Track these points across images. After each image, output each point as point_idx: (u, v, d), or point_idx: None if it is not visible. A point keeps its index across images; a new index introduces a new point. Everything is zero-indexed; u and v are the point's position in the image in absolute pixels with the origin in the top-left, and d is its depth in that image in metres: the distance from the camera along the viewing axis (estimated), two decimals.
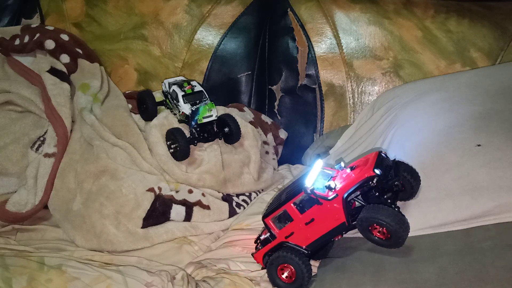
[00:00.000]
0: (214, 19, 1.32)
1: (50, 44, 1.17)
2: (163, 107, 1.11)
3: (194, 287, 0.83)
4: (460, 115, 0.88)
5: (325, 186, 0.72)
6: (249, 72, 1.34)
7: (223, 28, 1.32)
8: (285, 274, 0.77)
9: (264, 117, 1.28)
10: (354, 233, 0.83)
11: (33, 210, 0.97)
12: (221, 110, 1.11)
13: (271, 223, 0.79)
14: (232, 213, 1.02)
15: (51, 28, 1.24)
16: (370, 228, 0.71)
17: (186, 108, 1.02)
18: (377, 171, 0.71)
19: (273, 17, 1.33)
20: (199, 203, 0.99)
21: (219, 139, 1.06)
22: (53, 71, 1.12)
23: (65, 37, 1.21)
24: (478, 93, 0.94)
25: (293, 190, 0.77)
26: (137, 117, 1.12)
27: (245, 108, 1.26)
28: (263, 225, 0.90)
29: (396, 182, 0.75)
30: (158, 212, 0.96)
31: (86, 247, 0.93)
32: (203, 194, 1.01)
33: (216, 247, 0.95)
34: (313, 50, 1.26)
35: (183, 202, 0.98)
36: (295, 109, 1.31)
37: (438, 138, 0.86)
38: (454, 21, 1.20)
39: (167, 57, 1.33)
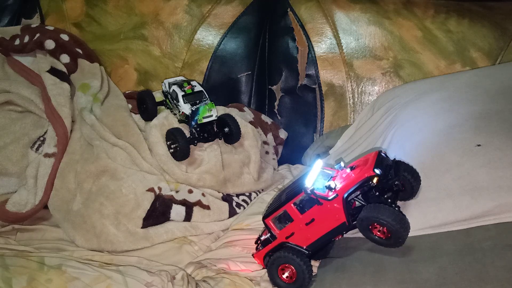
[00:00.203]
0: (214, 19, 1.32)
1: (50, 44, 1.17)
2: (163, 107, 1.11)
3: (194, 287, 0.83)
4: (460, 115, 0.88)
5: (325, 186, 0.72)
6: (249, 72, 1.34)
7: (223, 28, 1.32)
8: (286, 274, 0.78)
9: (264, 117, 1.28)
10: (354, 233, 0.83)
11: (33, 210, 0.97)
12: (221, 110, 1.11)
13: (272, 224, 0.79)
14: (232, 213, 1.02)
15: (51, 28, 1.24)
16: (370, 227, 0.71)
17: (186, 108, 1.02)
18: (377, 171, 0.71)
19: (273, 17, 1.33)
20: (199, 203, 0.99)
21: (219, 139, 1.06)
22: (53, 71, 1.12)
23: (65, 37, 1.21)
24: (478, 93, 0.94)
25: (293, 190, 0.77)
26: (137, 117, 1.12)
27: (245, 108, 1.26)
28: (263, 225, 0.90)
29: (397, 182, 0.75)
30: (158, 212, 0.96)
31: (86, 247, 0.93)
32: (203, 194, 1.01)
33: (216, 247, 0.95)
34: (313, 50, 1.26)
35: (183, 202, 0.98)
36: (295, 109, 1.31)
37: (438, 138, 0.86)
38: (454, 21, 1.20)
39: (167, 57, 1.33)
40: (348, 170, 0.75)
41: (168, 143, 1.02)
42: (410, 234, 0.72)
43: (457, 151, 0.81)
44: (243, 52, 1.33)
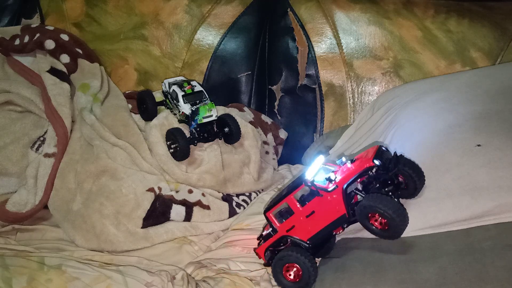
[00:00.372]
0: (214, 19, 1.32)
1: (50, 44, 1.17)
2: (163, 107, 1.11)
3: (194, 287, 0.83)
4: (460, 115, 0.88)
5: (325, 178, 0.72)
6: (249, 72, 1.34)
7: (223, 28, 1.32)
8: (291, 273, 0.77)
9: (264, 117, 1.28)
10: (354, 233, 0.83)
11: (33, 210, 0.97)
12: (221, 110, 1.11)
13: (273, 217, 0.79)
14: (232, 213, 1.02)
15: (51, 28, 1.24)
16: (369, 215, 0.71)
17: (186, 108, 1.02)
18: (376, 162, 0.72)
19: (273, 17, 1.33)
20: (199, 203, 0.99)
21: (219, 139, 1.06)
22: (53, 71, 1.12)
23: (65, 37, 1.21)
24: (478, 93, 0.94)
25: (294, 183, 0.77)
26: (137, 117, 1.12)
27: (245, 108, 1.26)
28: (263, 225, 0.90)
29: (400, 178, 0.75)
30: (158, 212, 0.96)
31: (86, 247, 0.93)
32: (203, 194, 1.01)
33: (216, 247, 0.95)
34: (313, 50, 1.26)
35: (183, 202, 0.98)
36: (295, 109, 1.31)
37: (438, 138, 0.86)
38: (454, 21, 1.20)
39: (167, 57, 1.33)
40: (349, 165, 0.75)
41: (168, 143, 1.02)
42: (410, 234, 0.72)
43: (457, 151, 0.81)
44: (243, 52, 1.33)
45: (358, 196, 0.74)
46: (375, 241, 0.77)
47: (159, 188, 0.98)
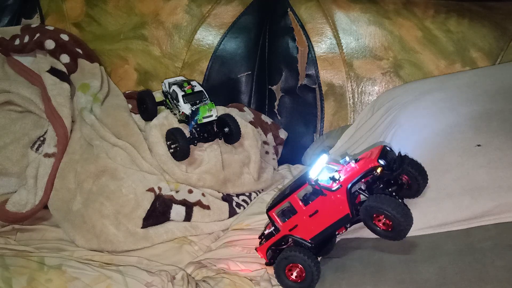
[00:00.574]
0: (214, 19, 1.32)
1: (50, 44, 1.17)
2: (163, 107, 1.11)
3: (194, 287, 0.83)
4: (460, 115, 0.88)
5: (329, 178, 0.72)
6: (249, 72, 1.34)
7: (223, 28, 1.32)
8: (294, 274, 0.77)
9: (264, 117, 1.28)
10: (354, 234, 0.83)
11: (33, 210, 0.97)
12: (221, 110, 1.11)
13: (275, 216, 0.79)
14: (232, 213, 1.02)
15: (51, 28, 1.24)
16: (374, 216, 0.70)
17: (186, 108, 1.02)
18: (381, 162, 0.71)
19: (273, 17, 1.33)
20: (199, 203, 0.99)
21: (219, 139, 1.06)
22: (53, 71, 1.12)
23: (65, 37, 1.21)
24: (478, 93, 0.94)
25: (297, 182, 0.77)
26: (137, 117, 1.12)
27: (245, 108, 1.26)
28: (263, 225, 0.90)
29: (404, 178, 0.75)
30: (158, 212, 0.96)
31: (86, 247, 0.93)
32: (203, 194, 1.01)
33: (216, 247, 0.95)
34: (313, 50, 1.26)
35: (183, 202, 0.98)
36: (295, 109, 1.31)
37: (438, 138, 0.86)
38: (454, 21, 1.20)
39: (167, 57, 1.33)
40: (352, 164, 0.75)
41: (168, 143, 1.02)
42: (410, 234, 0.72)
43: (457, 151, 0.81)
44: (243, 52, 1.33)
45: (362, 196, 0.74)
46: (375, 241, 0.77)
47: (159, 188, 0.98)
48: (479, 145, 0.80)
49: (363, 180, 0.73)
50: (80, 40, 1.27)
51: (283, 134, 1.28)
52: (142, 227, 0.95)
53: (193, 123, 1.01)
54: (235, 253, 0.92)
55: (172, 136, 1.00)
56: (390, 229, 0.70)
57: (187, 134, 1.02)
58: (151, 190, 0.97)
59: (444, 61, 1.19)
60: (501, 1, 1.22)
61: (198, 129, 1.02)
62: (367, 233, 0.76)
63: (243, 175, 1.06)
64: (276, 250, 0.81)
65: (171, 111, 1.09)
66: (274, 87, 1.33)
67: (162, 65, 1.33)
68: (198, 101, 1.03)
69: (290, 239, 0.79)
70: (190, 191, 1.00)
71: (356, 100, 1.24)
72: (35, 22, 1.39)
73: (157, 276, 0.83)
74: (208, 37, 1.32)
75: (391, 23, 1.22)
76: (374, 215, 0.70)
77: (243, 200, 1.05)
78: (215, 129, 1.05)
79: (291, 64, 1.29)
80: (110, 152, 1.01)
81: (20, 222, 0.98)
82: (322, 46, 1.26)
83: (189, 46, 1.32)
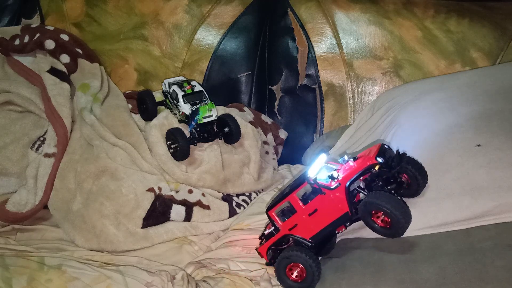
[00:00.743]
0: (214, 19, 1.32)
1: (50, 44, 1.17)
2: (163, 107, 1.11)
3: (194, 287, 0.83)
4: (460, 115, 0.88)
5: (328, 176, 0.72)
6: (249, 72, 1.34)
7: (223, 28, 1.32)
8: (295, 273, 0.77)
9: (264, 117, 1.28)
10: (354, 234, 0.83)
11: (33, 210, 0.97)
12: (221, 110, 1.11)
13: (275, 216, 0.79)
14: (232, 213, 1.02)
15: (51, 28, 1.24)
16: (373, 213, 0.70)
17: (186, 108, 1.02)
18: (379, 159, 0.72)
19: (273, 17, 1.33)
20: (199, 203, 0.99)
21: (219, 139, 1.06)
22: (53, 71, 1.12)
23: (65, 37, 1.21)
24: (478, 93, 0.94)
25: (296, 182, 0.77)
26: (137, 117, 1.12)
27: (245, 108, 1.26)
28: (264, 225, 0.90)
29: (403, 176, 0.75)
30: (158, 212, 0.96)
31: (86, 247, 0.93)
32: (203, 194, 1.01)
33: (216, 247, 0.95)
34: (313, 50, 1.26)
35: (183, 202, 0.98)
36: (295, 109, 1.31)
37: (438, 138, 0.86)
38: (454, 21, 1.20)
39: (167, 57, 1.33)
40: (351, 163, 0.75)
41: (168, 143, 1.02)
42: (410, 234, 0.72)
43: (457, 151, 0.81)
44: (243, 52, 1.33)
45: (361, 195, 0.74)
46: (375, 241, 0.78)
47: (159, 188, 0.98)
48: (479, 145, 0.80)
49: (361, 178, 0.73)
50: (80, 40, 1.27)
51: (283, 134, 1.28)
52: (142, 227, 0.95)
53: (193, 123, 1.01)
54: (235, 253, 0.92)
55: (172, 136, 1.00)
56: (388, 226, 0.70)
57: (187, 134, 1.02)
58: (151, 190, 0.97)
59: (444, 61, 1.19)
60: (501, 1, 1.22)
61: (198, 129, 1.02)
62: (367, 233, 0.76)
63: (243, 175, 1.06)
64: (277, 250, 0.81)
65: (171, 111, 1.09)
66: (274, 87, 1.33)
67: (162, 65, 1.33)
68: (198, 101, 1.03)
69: (290, 239, 0.79)
70: (190, 191, 1.00)
71: (356, 100, 1.24)
72: (35, 22, 1.39)
73: (157, 276, 0.83)
74: (208, 37, 1.32)
75: (391, 23, 1.22)
76: (373, 212, 0.70)
77: (243, 200, 1.05)
78: (215, 129, 1.05)
79: (291, 64, 1.29)
80: (110, 152, 1.01)
81: (20, 222, 0.98)
82: (322, 46, 1.26)
83: (189, 46, 1.32)
